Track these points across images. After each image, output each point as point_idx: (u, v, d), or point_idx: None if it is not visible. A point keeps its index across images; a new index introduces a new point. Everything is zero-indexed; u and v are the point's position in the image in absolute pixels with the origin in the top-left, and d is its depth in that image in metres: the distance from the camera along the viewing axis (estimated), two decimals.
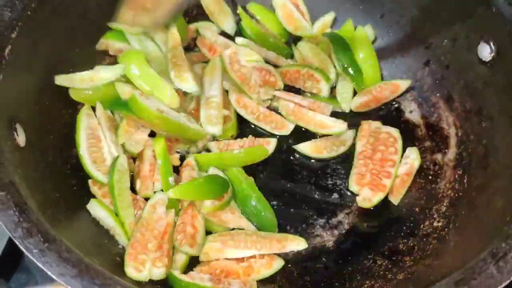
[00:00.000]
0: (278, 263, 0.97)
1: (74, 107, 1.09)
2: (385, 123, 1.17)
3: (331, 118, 1.15)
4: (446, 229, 0.99)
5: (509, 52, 0.98)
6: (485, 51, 1.04)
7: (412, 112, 1.20)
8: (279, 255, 0.98)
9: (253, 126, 1.17)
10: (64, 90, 1.07)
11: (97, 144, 1.04)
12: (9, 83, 0.88)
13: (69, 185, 1.00)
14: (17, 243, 0.67)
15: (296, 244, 0.99)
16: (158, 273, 0.88)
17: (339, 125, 1.13)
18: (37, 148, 0.92)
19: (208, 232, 1.00)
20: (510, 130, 0.97)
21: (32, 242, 0.67)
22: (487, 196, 0.95)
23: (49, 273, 0.65)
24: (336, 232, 1.04)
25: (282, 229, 1.03)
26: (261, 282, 0.95)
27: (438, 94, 1.18)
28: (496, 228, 0.79)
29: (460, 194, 1.03)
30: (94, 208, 0.97)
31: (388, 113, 1.21)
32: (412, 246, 1.00)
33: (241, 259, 0.95)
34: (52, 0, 0.99)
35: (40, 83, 0.99)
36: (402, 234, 1.02)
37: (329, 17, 1.31)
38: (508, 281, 0.68)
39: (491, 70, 1.03)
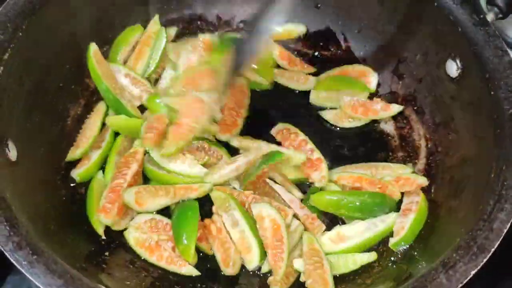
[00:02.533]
0: None
1: (64, 121, 1.15)
2: (361, 133, 1.24)
3: None
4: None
5: (473, 71, 1.03)
6: (452, 68, 1.10)
7: (387, 123, 1.26)
8: None
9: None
10: (54, 104, 1.12)
11: None
12: (1, 101, 0.92)
13: (59, 195, 1.05)
14: (7, 255, 0.73)
15: None
16: None
17: None
18: (28, 162, 0.97)
19: None
20: (472, 143, 1.03)
21: (22, 255, 0.73)
22: (451, 207, 1.02)
23: (37, 283, 0.71)
24: None
25: None
26: None
27: (410, 107, 1.24)
28: (453, 239, 0.85)
29: (427, 203, 1.09)
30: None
31: (365, 123, 1.26)
32: (382, 252, 1.05)
33: None
34: (42, 20, 1.03)
35: (30, 99, 1.02)
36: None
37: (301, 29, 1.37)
38: None
39: (458, 86, 1.10)
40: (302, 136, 1.18)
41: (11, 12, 0.98)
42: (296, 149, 1.16)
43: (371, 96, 1.28)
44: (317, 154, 1.15)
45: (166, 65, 1.27)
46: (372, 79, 1.29)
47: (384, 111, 1.24)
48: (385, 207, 1.07)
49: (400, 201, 1.10)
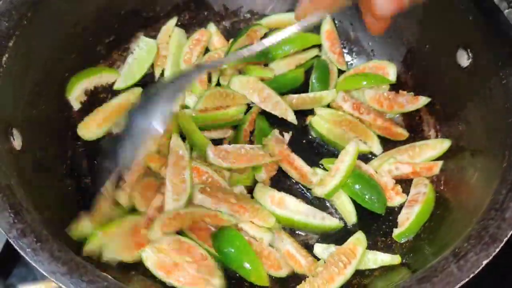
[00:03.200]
0: None
1: (69, 110, 1.15)
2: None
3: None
4: (422, 227, 1.04)
5: (485, 60, 1.01)
6: (463, 58, 1.08)
7: (396, 114, 1.24)
8: None
9: None
10: (59, 93, 1.12)
11: None
12: (6, 89, 0.92)
13: (65, 185, 1.05)
14: (11, 242, 0.72)
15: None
16: None
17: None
18: (34, 151, 0.97)
19: None
20: (484, 133, 1.01)
21: (26, 242, 0.72)
22: (461, 198, 1.00)
23: (41, 270, 0.70)
24: None
25: None
26: None
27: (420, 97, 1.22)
28: (464, 229, 0.84)
29: (437, 194, 1.08)
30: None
31: None
32: (390, 244, 1.05)
33: None
34: (48, 9, 1.02)
35: (36, 88, 1.02)
36: (382, 232, 1.07)
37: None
38: (467, 279, 0.73)
39: (468, 76, 1.07)
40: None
41: (16, 1, 0.97)
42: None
43: (396, 89, 1.25)
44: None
45: (168, 54, 1.29)
46: (390, 71, 1.27)
47: (411, 104, 1.21)
48: (374, 197, 1.08)
49: None
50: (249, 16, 1.38)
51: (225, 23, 1.37)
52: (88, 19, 1.16)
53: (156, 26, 1.32)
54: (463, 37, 1.07)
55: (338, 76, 1.29)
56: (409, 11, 1.16)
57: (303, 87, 1.26)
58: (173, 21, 1.32)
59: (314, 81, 1.26)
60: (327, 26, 1.33)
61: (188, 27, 1.34)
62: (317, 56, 1.32)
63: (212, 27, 1.34)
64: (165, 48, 1.30)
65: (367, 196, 1.07)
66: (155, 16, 1.31)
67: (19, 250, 0.72)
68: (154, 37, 1.31)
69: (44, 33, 1.04)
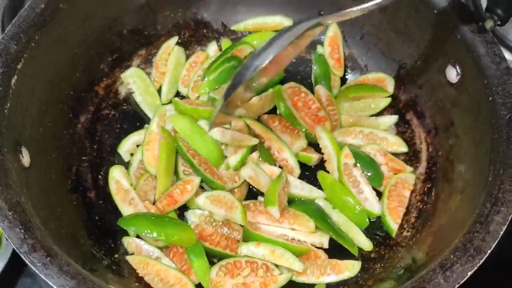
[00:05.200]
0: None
1: (74, 127, 1.19)
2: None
3: None
4: (413, 238, 1.07)
5: (473, 76, 1.05)
6: (452, 74, 1.12)
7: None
8: None
9: None
10: (65, 111, 1.16)
11: None
12: (15, 109, 0.96)
13: (70, 200, 1.09)
14: (22, 257, 0.76)
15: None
16: None
17: None
18: (41, 168, 1.00)
19: None
20: (471, 147, 1.05)
21: (36, 257, 0.76)
22: (451, 209, 1.03)
23: (50, 284, 0.74)
24: None
25: None
26: None
27: (412, 112, 1.26)
28: (452, 242, 0.87)
29: (428, 206, 1.12)
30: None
31: None
32: (383, 254, 1.08)
33: None
34: (54, 31, 1.07)
35: (43, 107, 1.06)
36: (375, 243, 1.10)
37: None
38: None
39: (458, 91, 1.12)
40: (310, 95, 1.26)
41: (24, 24, 1.02)
42: (304, 105, 1.25)
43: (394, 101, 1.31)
44: (323, 113, 1.24)
45: (166, 71, 1.34)
46: (388, 84, 1.31)
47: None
48: (376, 175, 1.16)
49: None
50: (247, 33, 1.42)
51: (224, 40, 1.42)
52: (91, 39, 1.21)
53: (157, 44, 1.36)
54: (452, 54, 1.12)
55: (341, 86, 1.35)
56: (401, 29, 1.24)
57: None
58: (173, 40, 1.36)
59: (317, 76, 1.33)
60: (331, 33, 1.37)
61: (188, 44, 1.39)
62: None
63: (213, 46, 1.38)
64: (164, 65, 1.34)
65: (368, 174, 1.16)
66: (156, 35, 1.36)
67: (29, 265, 0.76)
68: (155, 54, 1.35)
69: (50, 54, 1.08)
